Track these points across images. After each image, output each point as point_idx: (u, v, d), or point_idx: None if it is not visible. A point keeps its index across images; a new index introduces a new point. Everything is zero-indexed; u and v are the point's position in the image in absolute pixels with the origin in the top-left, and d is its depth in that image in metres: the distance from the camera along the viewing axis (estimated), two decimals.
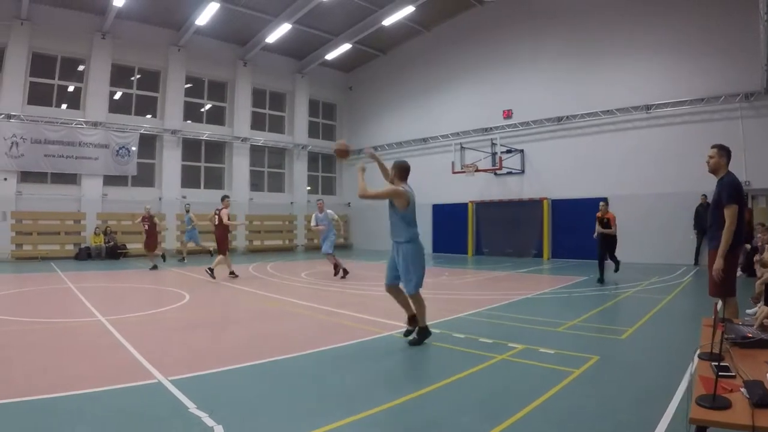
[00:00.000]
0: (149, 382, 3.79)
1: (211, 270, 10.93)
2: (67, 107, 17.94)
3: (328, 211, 11.71)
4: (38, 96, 17.53)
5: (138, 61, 18.80)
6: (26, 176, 17.06)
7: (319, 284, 10.40)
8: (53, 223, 16.94)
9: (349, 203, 23.75)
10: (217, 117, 19.98)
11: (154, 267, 13.35)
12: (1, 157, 16.80)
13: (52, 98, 17.75)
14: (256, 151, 21.25)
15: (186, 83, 19.41)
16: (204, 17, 17.14)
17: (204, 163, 19.51)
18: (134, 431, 2.95)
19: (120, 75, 18.46)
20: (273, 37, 18.89)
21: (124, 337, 5.25)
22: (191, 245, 16.02)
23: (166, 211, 18.34)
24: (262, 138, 21.11)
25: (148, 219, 13.27)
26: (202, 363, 4.33)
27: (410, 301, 5.16)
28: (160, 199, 18.38)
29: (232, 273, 11.22)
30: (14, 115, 16.94)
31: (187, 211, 15.82)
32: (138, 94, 18.81)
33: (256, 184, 21.29)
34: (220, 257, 11.15)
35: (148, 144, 18.64)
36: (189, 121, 19.29)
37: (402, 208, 4.98)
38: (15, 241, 16.34)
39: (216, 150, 20.00)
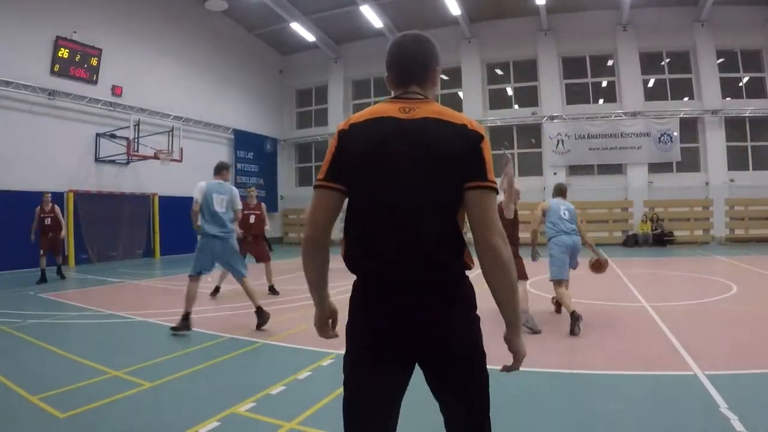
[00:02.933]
0: (684, 373, 3.66)
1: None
2: (604, 101, 19.00)
3: None
4: (575, 95, 19.21)
5: (663, 45, 18.29)
6: (574, 169, 18.76)
7: None
8: (601, 212, 18.03)
9: None
10: (757, 90, 17.68)
11: None
12: (549, 154, 19.11)
13: (588, 95, 19.14)
14: None
15: (717, 58, 17.86)
16: None
17: (750, 142, 17.50)
18: (662, 418, 2.92)
19: (649, 62, 18.36)
20: None
21: (666, 325, 5.19)
22: None
23: (714, 196, 17.08)
24: None
25: None
26: (743, 361, 3.91)
27: None
28: (706, 183, 17.30)
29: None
30: (556, 116, 18.93)
31: None
32: (670, 78, 18.35)
33: None
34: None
35: (689, 127, 17.84)
36: (728, 99, 17.65)
37: None
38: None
39: (762, 127, 17.68)
